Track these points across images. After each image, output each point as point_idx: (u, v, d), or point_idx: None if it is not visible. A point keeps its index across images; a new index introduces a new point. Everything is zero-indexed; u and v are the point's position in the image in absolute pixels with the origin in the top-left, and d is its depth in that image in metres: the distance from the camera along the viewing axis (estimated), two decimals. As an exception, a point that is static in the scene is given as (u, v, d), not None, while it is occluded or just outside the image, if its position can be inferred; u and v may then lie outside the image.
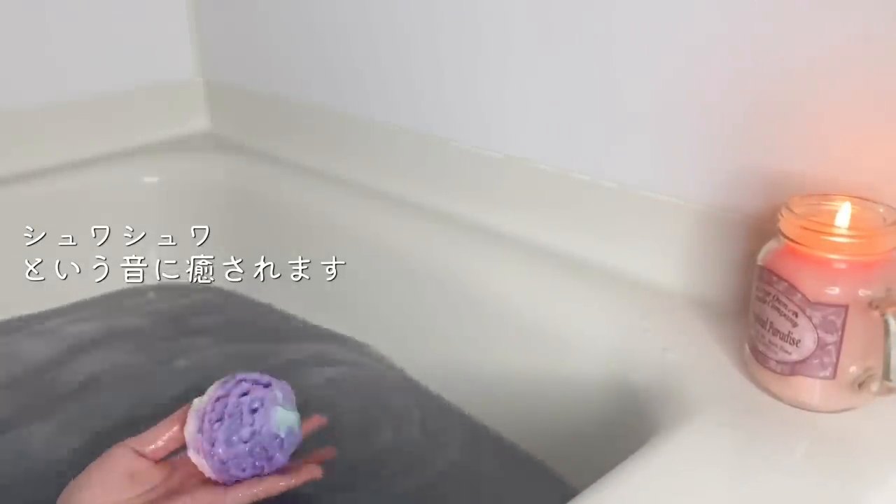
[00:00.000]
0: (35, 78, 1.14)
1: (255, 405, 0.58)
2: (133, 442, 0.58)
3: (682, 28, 0.71)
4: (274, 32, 1.14)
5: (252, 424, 0.57)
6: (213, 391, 0.60)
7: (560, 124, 0.83)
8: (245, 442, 0.57)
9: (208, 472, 0.58)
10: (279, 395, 0.60)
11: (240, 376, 0.60)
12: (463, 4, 0.88)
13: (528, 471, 0.79)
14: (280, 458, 0.59)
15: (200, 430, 0.57)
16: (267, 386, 0.60)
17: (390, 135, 1.01)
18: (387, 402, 0.90)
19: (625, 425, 0.67)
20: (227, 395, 0.59)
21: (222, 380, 0.61)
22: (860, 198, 0.58)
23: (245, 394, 0.59)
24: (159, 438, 0.58)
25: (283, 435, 0.59)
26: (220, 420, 0.57)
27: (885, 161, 0.61)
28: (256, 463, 0.58)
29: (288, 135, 1.17)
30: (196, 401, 0.60)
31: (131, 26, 1.22)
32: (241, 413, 0.58)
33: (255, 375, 0.61)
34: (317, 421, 0.65)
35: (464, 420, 0.86)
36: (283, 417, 0.59)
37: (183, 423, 0.59)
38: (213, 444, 0.57)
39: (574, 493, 0.52)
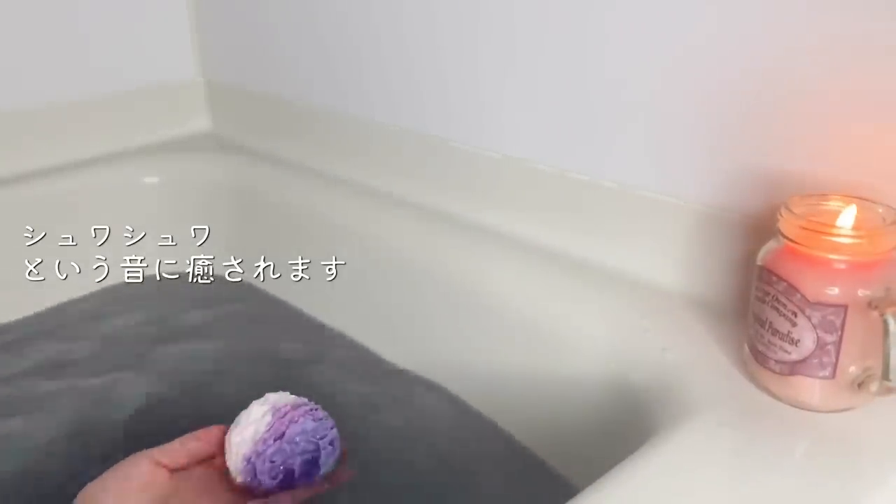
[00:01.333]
0: (35, 78, 1.14)
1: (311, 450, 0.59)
2: (156, 452, 0.58)
3: (681, 28, 0.71)
4: (275, 32, 1.14)
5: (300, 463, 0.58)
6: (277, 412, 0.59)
7: (559, 124, 0.83)
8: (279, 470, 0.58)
9: (232, 462, 0.58)
10: (333, 450, 0.60)
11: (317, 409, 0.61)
12: (463, 5, 0.88)
13: (527, 467, 0.79)
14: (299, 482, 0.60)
15: (255, 446, 0.58)
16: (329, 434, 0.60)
17: (390, 135, 1.02)
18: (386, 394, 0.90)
19: (625, 425, 0.67)
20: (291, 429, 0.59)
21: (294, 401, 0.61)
22: (860, 198, 0.58)
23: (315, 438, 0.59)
24: (181, 453, 0.59)
25: (316, 473, 0.59)
26: (276, 440, 0.58)
27: (885, 161, 0.61)
28: (280, 478, 0.58)
29: (288, 135, 1.17)
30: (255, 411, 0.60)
31: (131, 26, 1.22)
32: (296, 455, 0.58)
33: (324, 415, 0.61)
34: (347, 475, 0.64)
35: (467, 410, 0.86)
36: (328, 466, 0.60)
37: (206, 440, 0.59)
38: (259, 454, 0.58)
39: (575, 491, 0.52)
